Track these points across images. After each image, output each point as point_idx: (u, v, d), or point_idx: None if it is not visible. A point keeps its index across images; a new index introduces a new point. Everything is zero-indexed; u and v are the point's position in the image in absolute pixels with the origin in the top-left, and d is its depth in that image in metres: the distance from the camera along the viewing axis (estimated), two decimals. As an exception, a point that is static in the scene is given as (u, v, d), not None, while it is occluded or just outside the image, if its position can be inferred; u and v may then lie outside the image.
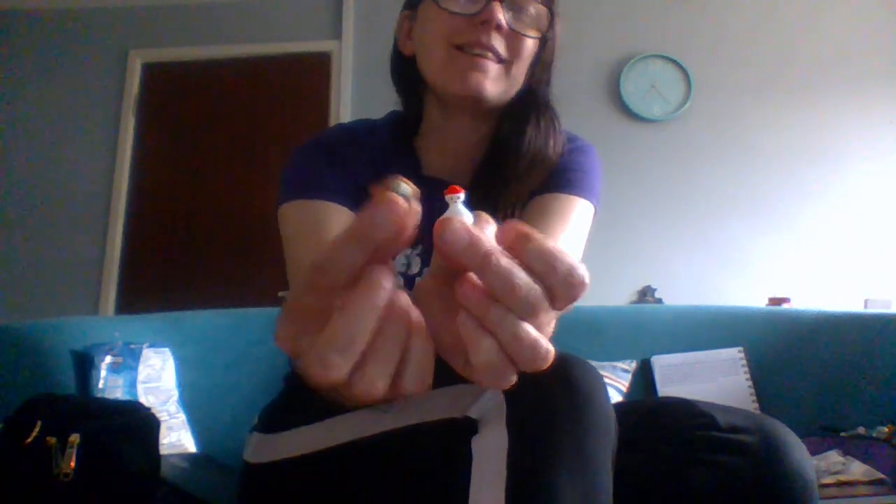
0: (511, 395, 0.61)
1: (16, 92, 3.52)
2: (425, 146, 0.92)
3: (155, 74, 3.54)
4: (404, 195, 0.34)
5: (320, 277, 0.34)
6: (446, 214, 0.35)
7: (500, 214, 0.83)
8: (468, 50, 0.82)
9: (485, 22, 0.80)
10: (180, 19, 3.56)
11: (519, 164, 0.85)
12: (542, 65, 0.90)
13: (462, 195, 0.36)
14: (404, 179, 0.36)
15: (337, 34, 3.43)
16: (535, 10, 0.84)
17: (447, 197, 0.36)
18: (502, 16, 0.80)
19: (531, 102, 0.89)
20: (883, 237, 3.01)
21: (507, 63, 0.83)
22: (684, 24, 3.31)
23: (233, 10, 3.54)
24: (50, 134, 3.47)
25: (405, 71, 0.91)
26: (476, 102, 0.84)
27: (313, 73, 3.42)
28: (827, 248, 3.01)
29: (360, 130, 0.92)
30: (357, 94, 3.34)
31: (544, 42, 0.88)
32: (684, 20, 3.31)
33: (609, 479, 0.59)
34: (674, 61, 3.23)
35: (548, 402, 0.59)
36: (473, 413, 0.62)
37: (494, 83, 0.83)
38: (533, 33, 0.84)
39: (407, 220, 0.34)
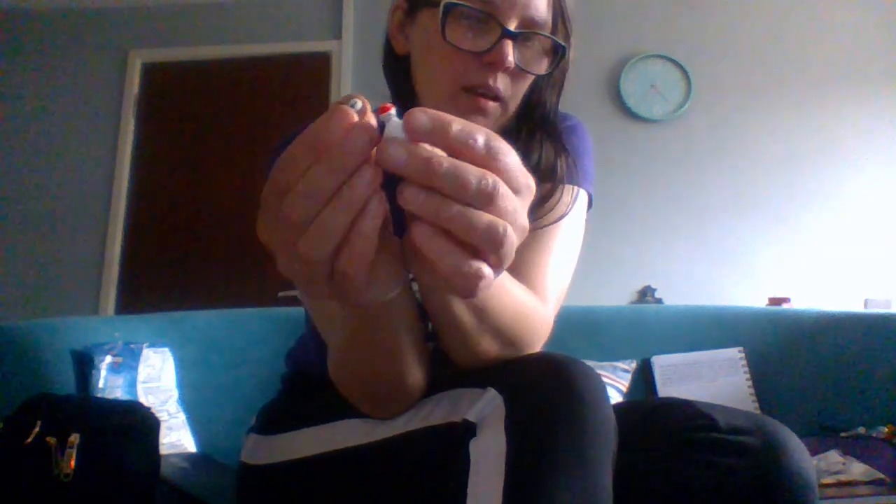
0: (510, 398, 0.61)
1: (16, 92, 3.52)
2: None
3: (155, 74, 3.54)
4: (355, 107, 0.37)
5: (280, 176, 0.37)
6: (385, 134, 0.37)
7: None
8: (472, 90, 0.76)
9: (492, 63, 0.74)
10: (180, 19, 3.56)
11: None
12: (552, 86, 0.84)
13: (393, 111, 0.38)
14: (359, 96, 0.38)
15: (337, 34, 3.43)
16: (544, 45, 0.78)
17: (380, 117, 0.38)
18: (512, 58, 0.74)
19: (531, 117, 0.84)
20: (883, 237, 3.01)
21: (504, 101, 0.78)
22: (684, 25, 3.31)
23: (233, 10, 3.54)
24: (50, 134, 3.47)
25: (396, 68, 0.86)
26: None
27: (313, 73, 3.42)
28: (827, 248, 3.01)
29: None
30: (357, 94, 3.33)
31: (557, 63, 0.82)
32: (684, 20, 3.31)
33: (609, 483, 0.58)
34: (674, 61, 3.23)
35: (547, 405, 0.58)
36: (471, 416, 0.62)
37: (492, 122, 0.79)
38: (538, 69, 0.79)
39: (355, 126, 0.36)
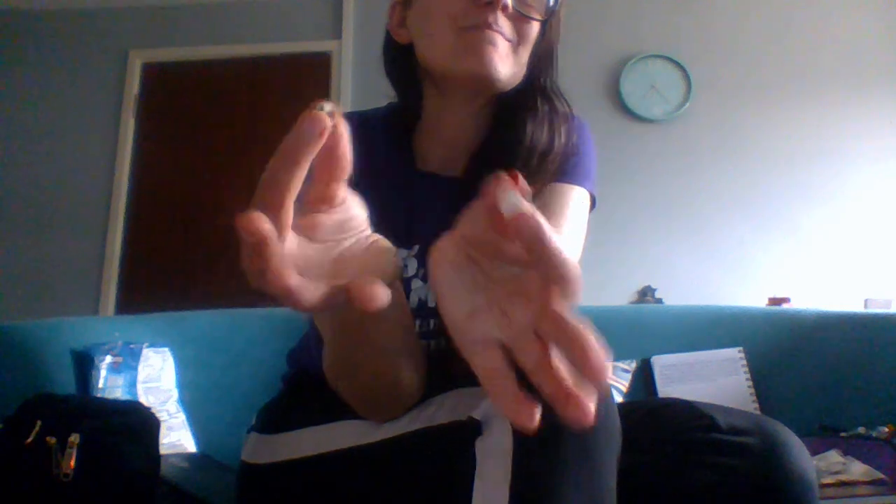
0: None
1: (16, 92, 3.52)
2: (420, 140, 0.89)
3: (155, 74, 3.54)
4: (325, 111, 0.37)
5: (265, 194, 0.37)
6: (506, 203, 0.36)
7: None
8: (475, 30, 0.78)
9: (489, 3, 0.77)
10: (180, 19, 3.56)
11: (517, 154, 0.81)
12: (544, 50, 0.86)
13: (517, 190, 0.36)
14: (327, 100, 0.38)
15: (337, 34, 3.43)
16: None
17: (501, 188, 0.36)
18: None
19: (533, 90, 0.86)
20: (883, 237, 3.01)
21: (513, 44, 0.80)
22: (684, 24, 3.30)
23: (233, 10, 3.54)
24: (50, 134, 3.47)
25: (401, 60, 0.88)
26: (485, 82, 0.80)
27: (313, 73, 3.42)
28: (827, 248, 3.01)
29: (352, 123, 0.89)
30: (357, 94, 3.34)
31: (546, 27, 0.84)
32: (684, 20, 3.31)
33: (613, 483, 0.58)
34: (674, 61, 3.22)
35: None
36: (477, 415, 0.62)
37: (504, 61, 0.79)
38: (537, 16, 0.81)
39: (329, 131, 0.37)
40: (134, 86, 3.49)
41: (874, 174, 3.08)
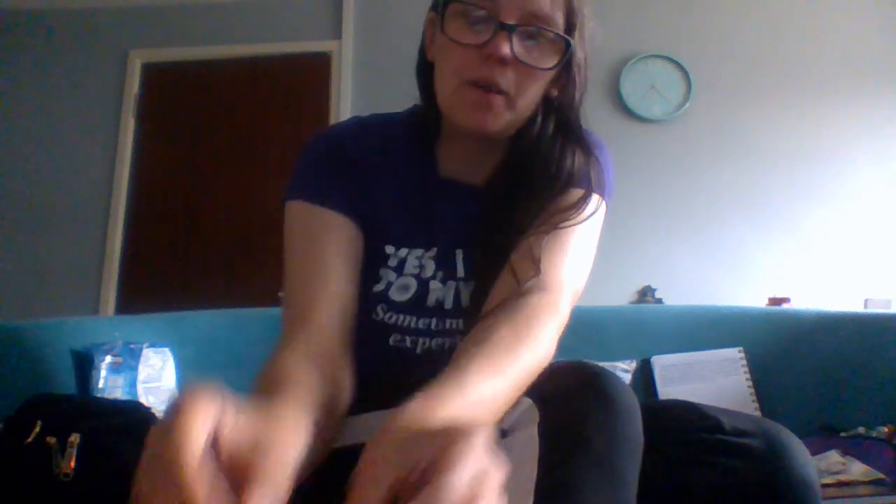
0: (545, 406, 0.60)
1: (16, 92, 3.52)
2: (443, 148, 0.90)
3: (155, 74, 3.54)
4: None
5: None
6: None
7: (516, 217, 0.81)
8: (475, 84, 0.79)
9: (490, 56, 0.77)
10: (180, 19, 3.56)
11: (535, 179, 0.84)
12: (569, 91, 0.85)
13: None
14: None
15: (337, 34, 3.42)
16: (552, 40, 0.80)
17: None
18: (508, 49, 0.76)
19: (557, 124, 0.86)
20: (883, 237, 3.01)
21: (510, 96, 0.80)
22: (684, 24, 3.30)
23: (233, 10, 3.54)
24: (50, 134, 3.47)
25: (426, 75, 0.89)
26: (477, 135, 0.82)
27: (313, 73, 3.42)
28: (827, 248, 3.01)
29: (377, 128, 0.90)
30: (357, 94, 3.33)
31: (569, 64, 0.84)
32: (684, 20, 3.31)
33: (634, 493, 0.59)
34: (674, 61, 3.22)
35: (583, 413, 0.59)
36: (505, 424, 0.61)
37: (497, 118, 0.80)
38: (545, 63, 0.80)
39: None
40: (134, 86, 3.49)
41: (874, 174, 3.08)
